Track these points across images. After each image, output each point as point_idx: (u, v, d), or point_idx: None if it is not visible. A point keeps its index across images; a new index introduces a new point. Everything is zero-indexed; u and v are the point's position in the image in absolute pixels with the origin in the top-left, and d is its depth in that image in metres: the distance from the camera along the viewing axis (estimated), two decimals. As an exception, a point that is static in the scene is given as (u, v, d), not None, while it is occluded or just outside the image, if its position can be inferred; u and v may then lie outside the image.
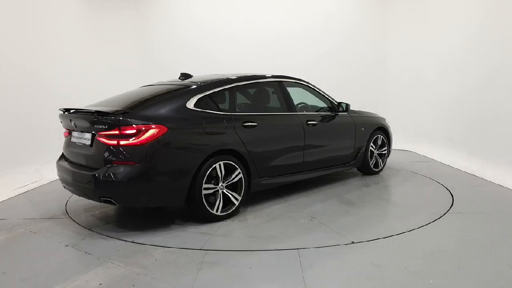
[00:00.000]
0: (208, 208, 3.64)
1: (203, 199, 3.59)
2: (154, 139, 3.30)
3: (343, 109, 5.13)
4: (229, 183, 3.81)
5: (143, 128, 3.29)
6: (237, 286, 2.57)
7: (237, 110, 4.12)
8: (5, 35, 5.27)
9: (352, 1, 8.57)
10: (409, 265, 2.81)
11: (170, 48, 8.44)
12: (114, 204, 3.41)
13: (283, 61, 8.27)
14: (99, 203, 4.23)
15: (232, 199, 3.85)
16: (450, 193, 4.70)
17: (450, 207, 4.17)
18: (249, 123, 4.03)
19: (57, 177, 4.07)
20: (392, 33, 8.51)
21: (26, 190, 5.05)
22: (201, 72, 5.09)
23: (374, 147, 5.66)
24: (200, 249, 3.13)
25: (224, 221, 3.79)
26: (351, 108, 5.38)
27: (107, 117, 3.34)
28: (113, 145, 3.29)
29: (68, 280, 2.65)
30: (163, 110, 3.50)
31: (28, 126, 5.64)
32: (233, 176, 3.83)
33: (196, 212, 3.70)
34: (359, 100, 7.83)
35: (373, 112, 6.17)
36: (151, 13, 8.48)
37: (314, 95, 5.08)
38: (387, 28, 8.53)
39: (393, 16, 8.45)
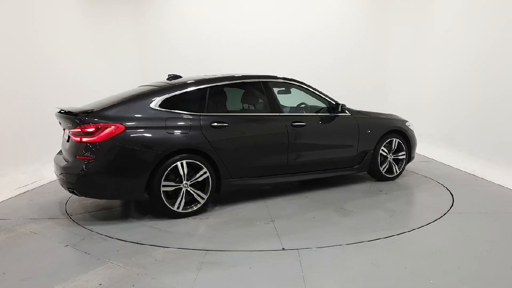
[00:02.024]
0: (168, 205, 3.79)
1: (162, 196, 3.74)
2: (110, 137, 3.57)
3: (339, 109, 4.86)
4: (193, 181, 3.89)
5: (101, 127, 3.57)
6: (237, 286, 2.57)
7: (207, 110, 4.09)
8: (4, 35, 5.27)
9: (354, 6, 8.56)
10: (409, 265, 2.81)
11: (170, 49, 8.43)
12: (77, 194, 3.72)
13: (282, 63, 8.27)
14: (98, 203, 4.40)
15: (197, 197, 3.93)
16: (450, 193, 4.69)
17: (450, 207, 4.17)
18: (219, 124, 4.05)
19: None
20: (393, 34, 8.52)
21: (26, 190, 5.04)
22: (200, 74, 5.07)
23: (386, 151, 5.21)
24: (200, 249, 3.13)
25: (186, 218, 3.86)
26: (363, 109, 5.20)
27: (74, 117, 3.67)
28: (78, 142, 3.67)
29: (68, 280, 2.65)
30: (125, 110, 3.76)
31: (28, 126, 5.63)
32: (198, 175, 3.91)
33: (157, 208, 3.88)
34: (359, 100, 7.82)
35: (393, 113, 5.65)
36: (150, 13, 8.47)
37: (310, 96, 4.90)
38: (389, 29, 8.54)
39: (395, 17, 8.45)
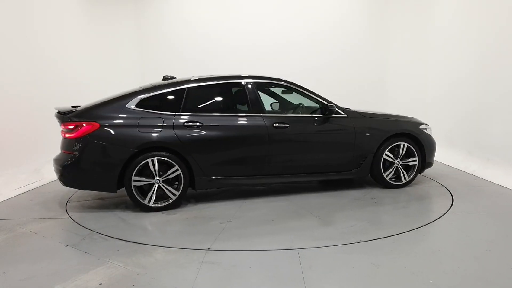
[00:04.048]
0: (139, 199, 4.04)
1: (133, 190, 4.00)
2: (86, 134, 3.94)
3: (327, 111, 4.63)
4: (165, 178, 4.09)
5: (79, 125, 3.96)
6: (237, 286, 2.57)
7: (183, 110, 4.23)
8: (4, 35, 5.27)
9: (355, 6, 8.57)
10: (409, 265, 2.81)
11: (170, 49, 8.42)
12: (62, 184, 4.12)
13: (283, 63, 8.26)
14: (98, 203, 4.46)
15: (168, 193, 4.12)
16: (450, 193, 4.69)
17: (450, 207, 4.17)
18: (192, 123, 4.17)
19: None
20: (393, 34, 8.51)
21: (26, 190, 5.05)
22: (198, 74, 5.07)
23: (391, 156, 4.81)
24: (201, 249, 3.13)
25: (157, 212, 4.08)
26: (367, 110, 5.07)
27: (60, 115, 4.09)
28: (63, 137, 4.13)
29: (68, 280, 2.65)
30: (103, 110, 4.10)
31: (28, 126, 5.63)
32: (170, 172, 4.09)
33: (131, 201, 4.12)
34: (359, 100, 7.84)
35: (409, 115, 5.31)
36: (150, 13, 8.47)
37: (302, 96, 4.74)
38: (389, 29, 8.53)
39: (395, 17, 8.45)
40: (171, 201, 4.13)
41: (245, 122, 4.40)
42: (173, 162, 4.08)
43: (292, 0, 8.40)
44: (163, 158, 4.05)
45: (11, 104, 5.36)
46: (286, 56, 8.38)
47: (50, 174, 5.50)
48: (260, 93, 4.65)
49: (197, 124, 4.19)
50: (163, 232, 3.67)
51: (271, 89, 5.02)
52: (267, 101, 5.17)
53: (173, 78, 4.73)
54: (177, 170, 4.09)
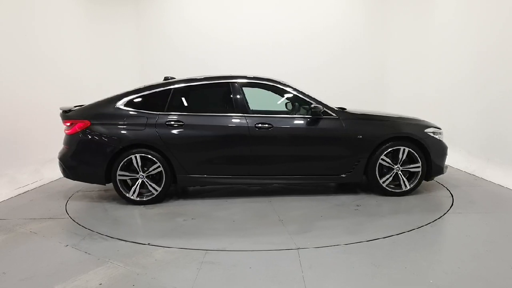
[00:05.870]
0: (123, 192, 4.33)
1: (118, 183, 4.30)
2: (78, 131, 4.31)
3: (310, 112, 4.46)
4: (148, 174, 4.33)
5: (73, 122, 4.35)
6: (237, 286, 2.57)
7: (167, 110, 4.40)
8: (4, 35, 5.27)
9: (355, 4, 8.57)
10: (409, 265, 2.81)
11: (170, 48, 8.42)
12: (63, 175, 4.56)
13: (282, 62, 8.26)
14: (99, 204, 4.48)
15: (150, 188, 4.36)
16: (450, 193, 4.70)
17: (450, 207, 4.17)
18: (173, 122, 4.33)
19: (58, 177, 4.84)
20: (393, 34, 8.51)
21: (26, 190, 5.05)
22: (199, 74, 5.09)
23: (388, 161, 4.50)
24: (201, 249, 3.13)
25: (139, 206, 4.33)
26: (370, 110, 4.92)
27: (62, 114, 4.46)
28: (64, 133, 4.48)
29: (68, 280, 2.65)
30: (95, 109, 4.44)
31: (28, 126, 5.63)
32: (152, 168, 4.32)
33: (117, 193, 4.41)
34: (358, 99, 7.85)
35: (416, 117, 5.00)
36: (150, 13, 8.47)
37: (295, 96, 4.60)
38: (388, 28, 8.54)
39: (394, 16, 8.46)
40: (152, 196, 4.35)
41: (227, 122, 4.41)
42: (154, 159, 4.28)
43: (291, 0, 8.41)
44: (145, 155, 4.28)
45: (11, 104, 5.36)
46: (286, 55, 8.38)
47: (50, 174, 5.52)
48: (272, 93, 4.63)
49: (179, 123, 4.32)
50: (122, 224, 3.83)
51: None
52: (279, 101, 5.12)
53: (173, 78, 4.76)
54: (158, 167, 4.30)
